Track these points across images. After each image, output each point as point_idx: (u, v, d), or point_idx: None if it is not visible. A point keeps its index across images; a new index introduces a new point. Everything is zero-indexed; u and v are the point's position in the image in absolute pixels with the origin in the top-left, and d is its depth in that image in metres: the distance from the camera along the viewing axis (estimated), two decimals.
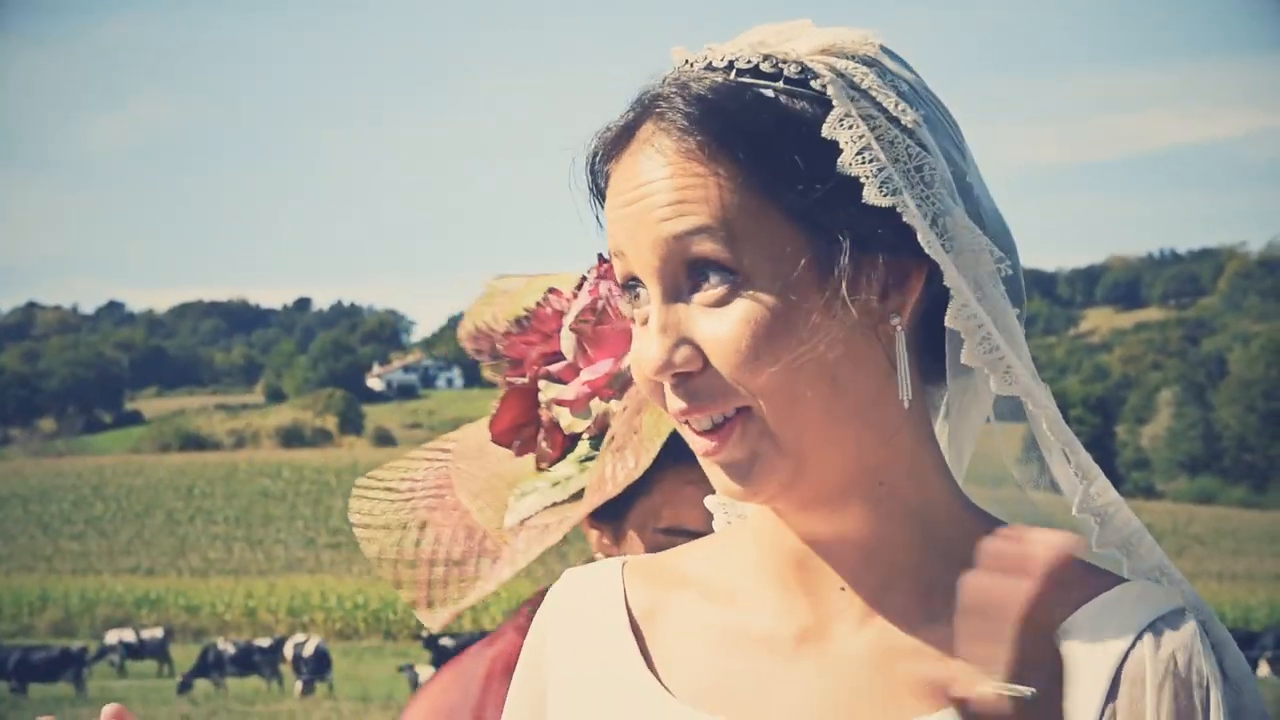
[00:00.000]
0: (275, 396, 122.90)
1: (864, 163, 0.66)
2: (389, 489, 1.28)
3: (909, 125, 0.69)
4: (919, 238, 0.66)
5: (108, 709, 0.68)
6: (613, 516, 1.15)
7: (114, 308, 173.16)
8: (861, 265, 0.67)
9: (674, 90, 0.70)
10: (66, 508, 56.85)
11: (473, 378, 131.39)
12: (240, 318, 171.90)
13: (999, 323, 0.70)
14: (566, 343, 1.17)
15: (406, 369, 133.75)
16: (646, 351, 0.67)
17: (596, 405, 1.15)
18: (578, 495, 1.14)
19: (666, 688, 0.73)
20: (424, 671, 22.64)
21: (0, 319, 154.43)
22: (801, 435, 0.67)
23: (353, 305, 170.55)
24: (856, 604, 0.72)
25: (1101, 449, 69.70)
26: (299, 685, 22.21)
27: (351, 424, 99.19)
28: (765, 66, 0.69)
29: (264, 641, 24.83)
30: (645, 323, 0.70)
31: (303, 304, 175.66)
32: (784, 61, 0.69)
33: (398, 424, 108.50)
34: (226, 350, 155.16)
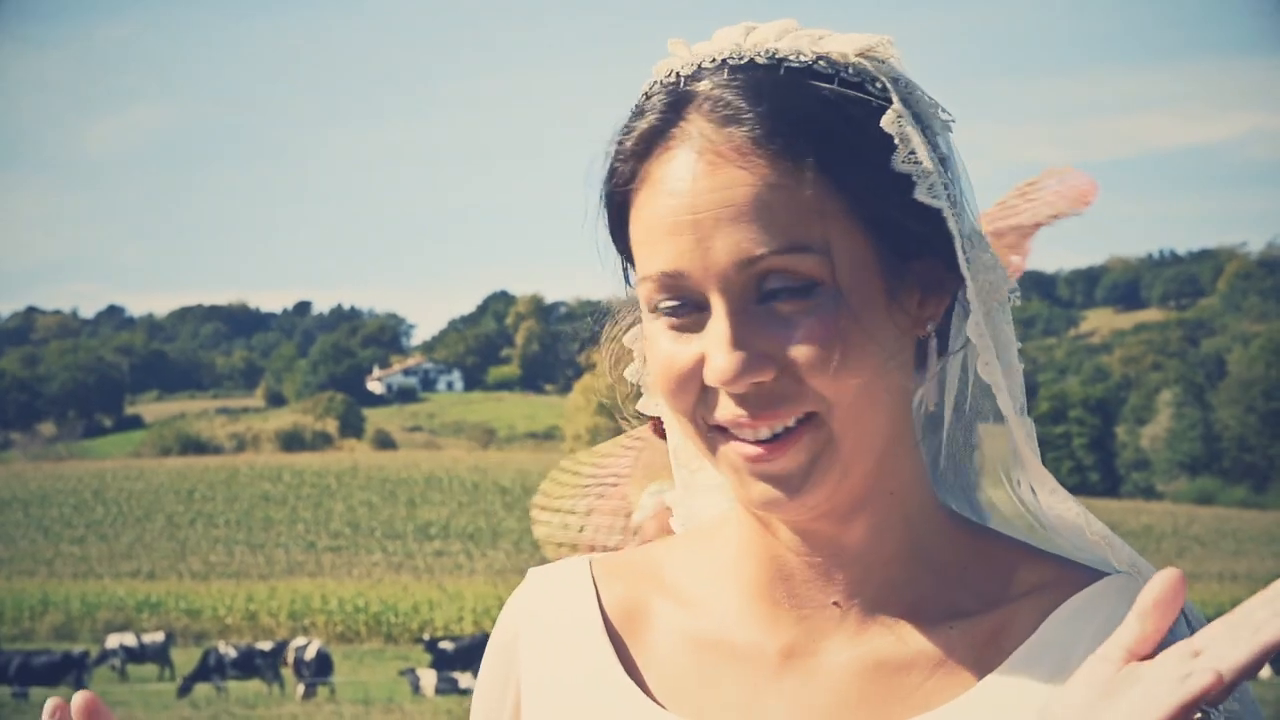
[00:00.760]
0: (276, 400, 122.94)
1: (917, 163, 0.65)
2: (575, 474, 1.31)
3: (941, 138, 0.69)
4: (957, 245, 0.66)
5: (78, 697, 0.65)
6: None
7: (114, 312, 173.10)
8: (911, 270, 0.67)
9: (724, 87, 0.66)
10: (67, 512, 56.79)
11: (473, 381, 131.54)
12: (240, 321, 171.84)
13: (1001, 353, 0.70)
14: None
15: (407, 372, 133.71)
16: (720, 363, 0.63)
17: None
18: None
19: (653, 696, 0.72)
20: (425, 675, 22.62)
21: (0, 324, 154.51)
22: (859, 444, 0.66)
23: (353, 309, 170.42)
24: (850, 619, 0.71)
25: (1102, 450, 69.72)
26: (300, 689, 22.17)
27: (352, 427, 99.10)
28: (822, 66, 0.66)
29: (265, 645, 24.74)
30: (681, 329, 0.66)
31: (303, 307, 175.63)
32: (840, 63, 0.67)
33: (398, 427, 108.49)
34: (227, 354, 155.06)
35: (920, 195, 0.65)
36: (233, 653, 23.75)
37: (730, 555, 0.75)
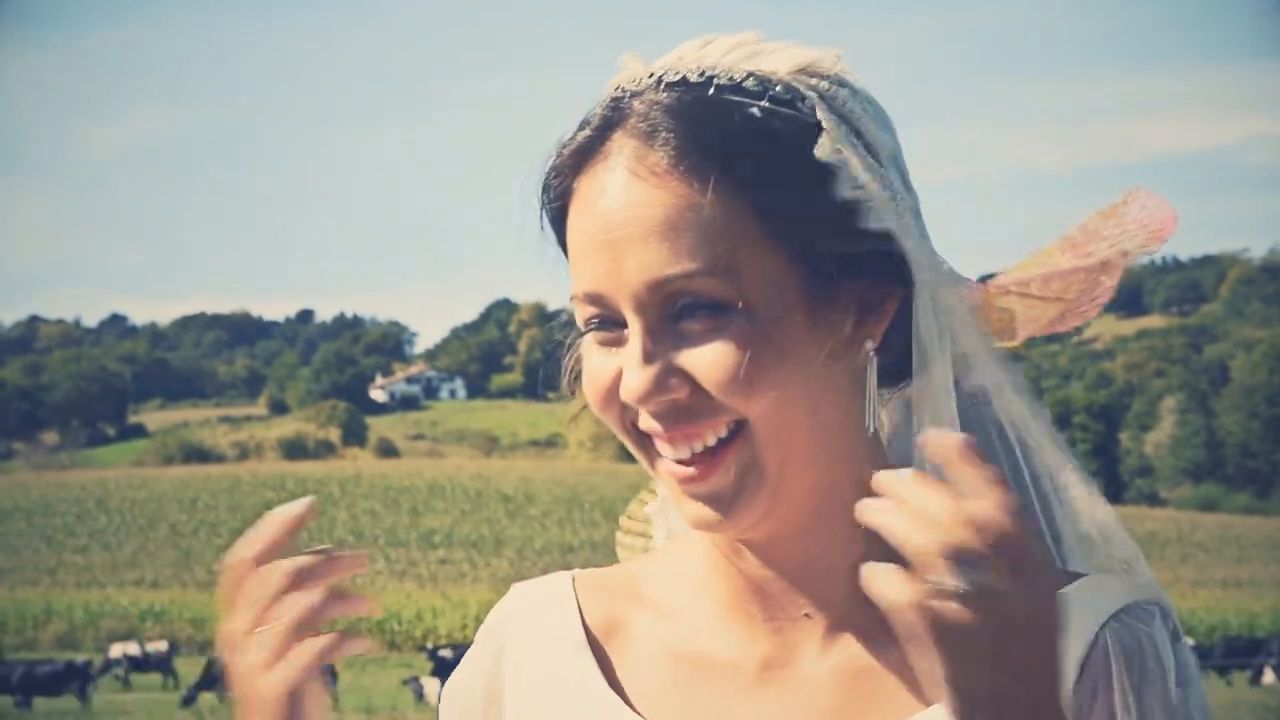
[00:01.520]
0: (278, 408, 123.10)
1: (856, 188, 0.65)
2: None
3: (885, 153, 0.68)
4: (914, 268, 0.66)
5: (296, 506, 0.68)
6: None
7: (116, 320, 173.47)
8: (842, 290, 0.67)
9: (653, 105, 0.66)
10: (70, 521, 56.83)
11: (475, 389, 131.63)
12: (243, 330, 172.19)
13: (979, 365, 0.72)
14: None
15: (409, 380, 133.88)
16: (631, 380, 0.65)
17: None
18: None
19: (634, 708, 0.73)
20: (428, 683, 22.59)
21: (3, 333, 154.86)
22: (785, 462, 0.66)
23: (355, 317, 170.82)
24: (821, 628, 0.71)
25: (1105, 456, 69.59)
26: None
27: (355, 435, 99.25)
28: (750, 84, 0.66)
29: None
30: (606, 344, 0.68)
31: (305, 316, 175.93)
32: (771, 80, 0.66)
33: (401, 435, 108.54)
34: (229, 362, 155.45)
35: (867, 221, 0.65)
36: None
37: (701, 568, 0.76)
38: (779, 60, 0.68)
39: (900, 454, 0.72)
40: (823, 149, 0.65)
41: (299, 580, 0.66)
